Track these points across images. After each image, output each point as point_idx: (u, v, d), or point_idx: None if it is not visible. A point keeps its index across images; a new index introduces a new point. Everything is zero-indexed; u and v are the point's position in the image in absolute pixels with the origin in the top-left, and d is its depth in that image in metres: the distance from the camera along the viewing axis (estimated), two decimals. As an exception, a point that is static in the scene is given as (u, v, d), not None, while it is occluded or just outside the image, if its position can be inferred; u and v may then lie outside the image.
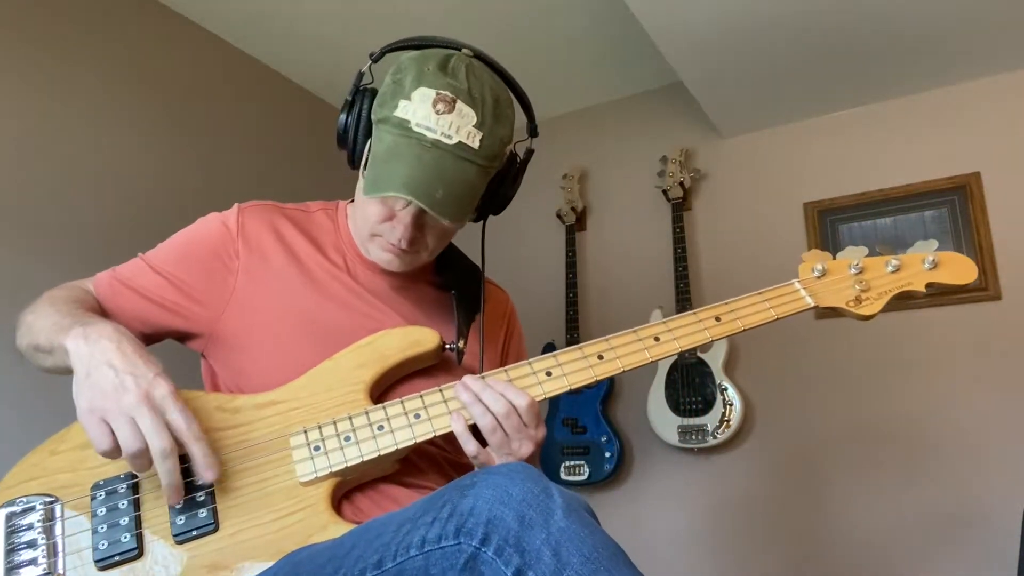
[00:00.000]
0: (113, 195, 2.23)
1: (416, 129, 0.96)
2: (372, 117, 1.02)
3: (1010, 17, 2.14)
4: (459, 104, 0.97)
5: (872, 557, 2.36)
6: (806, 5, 2.06)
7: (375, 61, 1.07)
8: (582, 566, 0.68)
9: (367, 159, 1.03)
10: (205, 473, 0.84)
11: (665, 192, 2.82)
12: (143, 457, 0.82)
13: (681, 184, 2.78)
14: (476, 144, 0.98)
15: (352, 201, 1.16)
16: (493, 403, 0.94)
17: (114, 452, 0.82)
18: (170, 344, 1.09)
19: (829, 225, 2.62)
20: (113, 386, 0.82)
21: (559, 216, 3.03)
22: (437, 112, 0.96)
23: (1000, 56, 2.36)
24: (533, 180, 3.13)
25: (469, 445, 0.96)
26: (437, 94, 0.96)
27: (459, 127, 0.96)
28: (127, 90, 2.32)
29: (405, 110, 0.97)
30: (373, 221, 1.04)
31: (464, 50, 1.05)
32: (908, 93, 2.57)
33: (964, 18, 2.14)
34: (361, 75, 1.06)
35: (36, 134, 2.06)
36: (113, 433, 0.82)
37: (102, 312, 1.03)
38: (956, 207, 2.45)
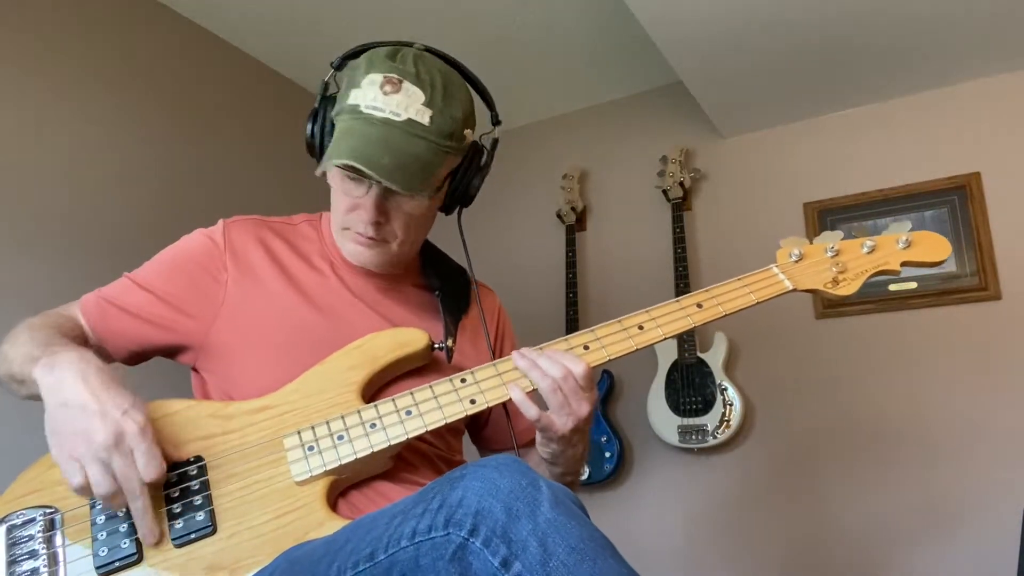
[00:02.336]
0: (112, 196, 2.23)
1: (366, 110, 0.98)
2: (332, 116, 1.05)
3: (1010, 17, 2.14)
4: (406, 84, 0.99)
5: (872, 556, 2.36)
6: (806, 5, 2.06)
7: (337, 69, 1.09)
8: (568, 556, 0.69)
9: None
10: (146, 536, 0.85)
11: (665, 192, 2.82)
12: (118, 498, 0.83)
13: (681, 184, 2.78)
14: (426, 120, 0.99)
15: None
16: (550, 368, 0.98)
17: (88, 492, 0.83)
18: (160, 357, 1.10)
19: (829, 225, 2.62)
20: (83, 429, 0.82)
21: (559, 216, 3.03)
22: (385, 93, 0.98)
23: (1000, 56, 2.36)
24: (533, 180, 3.17)
25: (531, 411, 0.98)
26: (384, 77, 0.99)
27: (407, 105, 0.98)
28: (127, 90, 2.33)
29: (355, 97, 1.00)
30: (341, 213, 1.06)
31: (416, 45, 1.07)
32: (908, 93, 2.57)
33: (964, 18, 2.14)
34: (326, 84, 1.09)
35: (35, 135, 2.06)
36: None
37: (84, 336, 1.04)
38: (956, 207, 2.45)
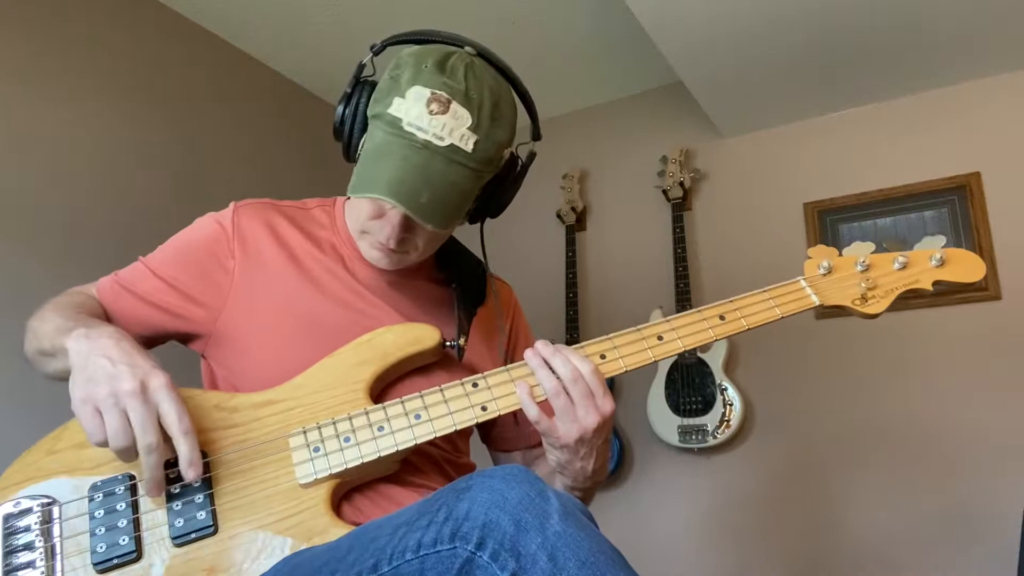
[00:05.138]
0: (112, 194, 2.22)
1: (407, 128, 0.93)
2: (368, 112, 1.00)
3: (1010, 17, 2.14)
4: (454, 105, 0.94)
5: (872, 556, 2.36)
6: (806, 5, 2.06)
7: (376, 54, 1.04)
8: (578, 570, 0.67)
9: (359, 156, 1.01)
10: (187, 471, 0.82)
11: (665, 192, 2.82)
12: (130, 451, 0.81)
13: (681, 184, 2.77)
14: (470, 147, 0.95)
15: (349, 198, 1.14)
16: (561, 367, 0.93)
17: (106, 444, 0.82)
18: (170, 344, 1.10)
19: (829, 225, 2.62)
20: (108, 375, 0.81)
21: (559, 216, 3.03)
22: (431, 112, 0.93)
23: (1000, 56, 2.36)
24: (533, 180, 3.12)
25: (532, 410, 0.93)
26: (432, 93, 0.93)
27: (452, 129, 0.93)
28: (126, 89, 2.32)
29: (398, 108, 0.94)
30: (364, 218, 1.02)
31: (467, 48, 1.02)
32: (908, 93, 2.57)
33: (964, 18, 2.13)
34: (362, 67, 1.04)
35: (34, 133, 2.05)
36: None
37: (105, 316, 1.03)
38: (956, 207, 2.45)
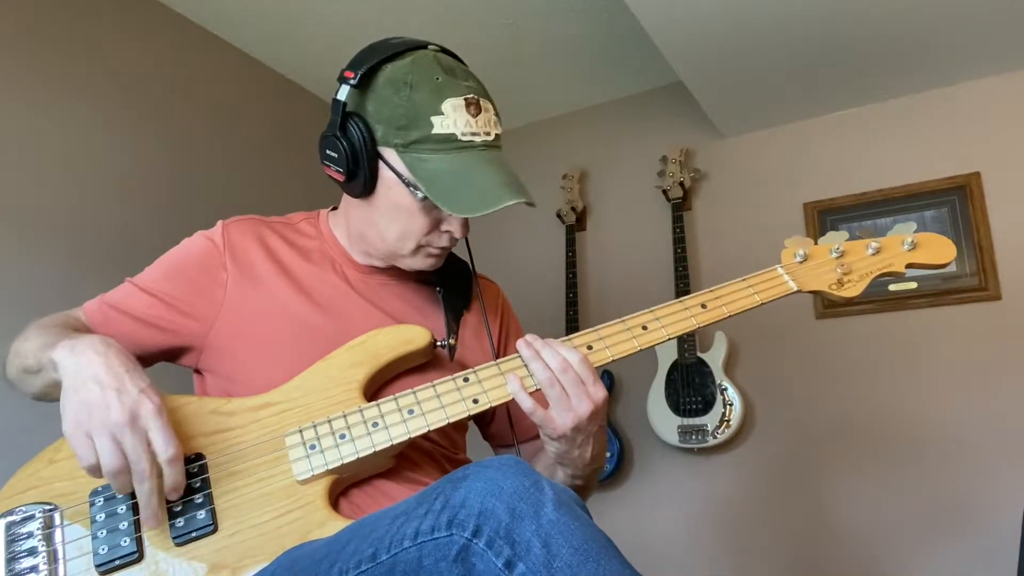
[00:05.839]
0: (111, 194, 2.23)
1: (464, 139, 0.99)
2: (392, 142, 1.00)
3: (1010, 17, 2.14)
4: (482, 101, 1.02)
5: (872, 556, 2.36)
6: (806, 5, 2.06)
7: (357, 86, 1.03)
8: (571, 557, 0.68)
9: (410, 183, 1.00)
10: (170, 493, 0.85)
11: (665, 192, 2.82)
12: (123, 477, 0.82)
13: (681, 184, 2.78)
14: (500, 129, 1.04)
15: (334, 209, 1.18)
16: (551, 359, 0.96)
17: (98, 470, 0.82)
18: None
19: (829, 225, 2.62)
20: (98, 404, 0.82)
21: (559, 216, 3.03)
22: (472, 116, 1.00)
23: (1000, 56, 2.36)
24: (533, 180, 3.16)
25: (526, 401, 0.96)
26: (465, 100, 0.99)
27: (490, 120, 1.02)
28: (126, 89, 2.32)
29: (443, 125, 0.98)
30: (420, 234, 1.05)
31: (430, 46, 1.06)
32: (908, 93, 2.57)
33: (963, 18, 2.14)
34: (344, 104, 1.03)
35: (32, 133, 2.06)
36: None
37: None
38: (956, 207, 2.45)
